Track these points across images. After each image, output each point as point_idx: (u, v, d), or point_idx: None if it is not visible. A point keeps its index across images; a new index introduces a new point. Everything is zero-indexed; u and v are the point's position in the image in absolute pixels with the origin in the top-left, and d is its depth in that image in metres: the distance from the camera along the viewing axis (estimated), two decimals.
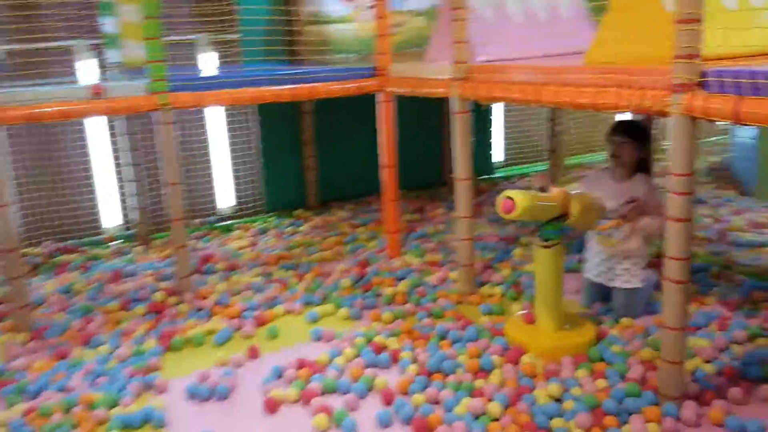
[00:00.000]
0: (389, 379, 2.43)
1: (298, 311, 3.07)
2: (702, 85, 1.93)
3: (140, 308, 3.10)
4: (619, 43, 2.40)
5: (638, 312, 2.87)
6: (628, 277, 2.84)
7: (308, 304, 3.14)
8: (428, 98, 3.22)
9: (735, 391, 2.24)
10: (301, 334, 2.85)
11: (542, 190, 2.83)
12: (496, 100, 2.86)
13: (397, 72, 3.37)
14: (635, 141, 2.81)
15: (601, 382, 2.34)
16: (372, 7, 3.40)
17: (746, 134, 4.65)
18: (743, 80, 1.80)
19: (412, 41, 4.02)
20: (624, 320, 2.80)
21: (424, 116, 4.89)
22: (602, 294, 2.95)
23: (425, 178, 5.09)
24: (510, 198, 2.38)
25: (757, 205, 4.41)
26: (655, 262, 3.33)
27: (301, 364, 2.55)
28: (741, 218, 4.12)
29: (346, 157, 4.80)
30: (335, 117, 4.65)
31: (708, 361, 2.45)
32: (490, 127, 5.41)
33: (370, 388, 2.39)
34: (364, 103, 3.63)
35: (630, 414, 2.16)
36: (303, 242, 4.01)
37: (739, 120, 1.83)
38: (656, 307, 2.90)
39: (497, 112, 5.49)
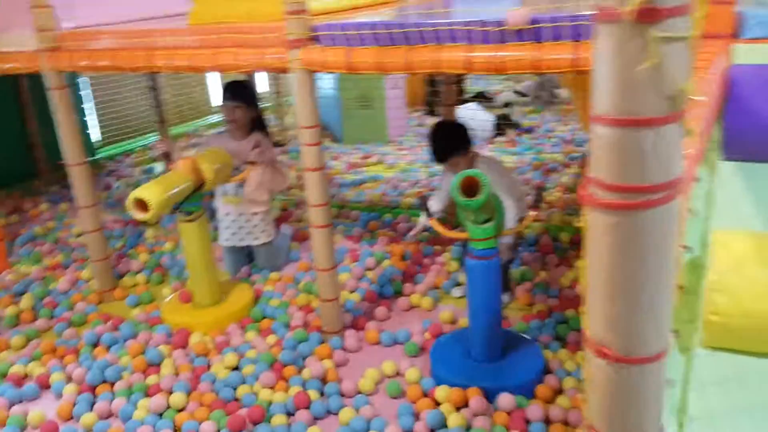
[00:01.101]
0: (45, 409, 2.06)
1: None
2: (315, 39, 2.06)
3: None
4: (221, 2, 2.38)
5: (281, 263, 3.00)
6: (260, 233, 2.92)
7: None
8: None
9: (380, 311, 2.55)
10: None
11: (166, 156, 2.69)
12: (97, 69, 2.57)
13: None
14: (245, 103, 2.86)
15: (272, 338, 2.40)
16: None
17: (327, 86, 5.18)
18: (350, 32, 1.97)
19: None
20: (272, 274, 2.91)
21: None
22: (243, 256, 2.99)
23: (9, 173, 4.32)
24: (141, 199, 2.20)
25: (346, 148, 4.99)
26: (284, 215, 3.55)
27: None
28: (338, 162, 4.62)
29: None
30: None
31: (352, 291, 2.72)
32: (81, 103, 4.85)
33: (24, 428, 2.00)
34: None
35: (305, 358, 2.28)
36: None
37: (352, 70, 2.00)
38: (295, 255, 3.09)
39: (86, 87, 4.95)
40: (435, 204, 2.50)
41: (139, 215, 2.22)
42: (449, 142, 2.42)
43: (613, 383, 0.71)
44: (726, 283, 1.12)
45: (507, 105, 5.65)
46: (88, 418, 2.00)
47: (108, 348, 2.39)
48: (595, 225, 0.68)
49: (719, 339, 1.15)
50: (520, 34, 1.77)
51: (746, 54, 1.61)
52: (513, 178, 2.57)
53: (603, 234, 0.68)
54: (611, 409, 0.73)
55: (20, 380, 2.22)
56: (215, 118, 5.83)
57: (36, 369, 2.27)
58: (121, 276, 2.97)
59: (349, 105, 5.11)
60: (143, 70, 2.40)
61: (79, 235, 3.39)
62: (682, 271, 1.33)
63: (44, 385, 2.20)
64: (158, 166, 4.61)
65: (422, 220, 2.44)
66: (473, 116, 4.83)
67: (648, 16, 0.58)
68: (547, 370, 2.11)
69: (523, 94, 5.86)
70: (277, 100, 5.27)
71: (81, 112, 4.73)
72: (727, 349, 1.16)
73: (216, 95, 6.05)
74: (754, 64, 1.53)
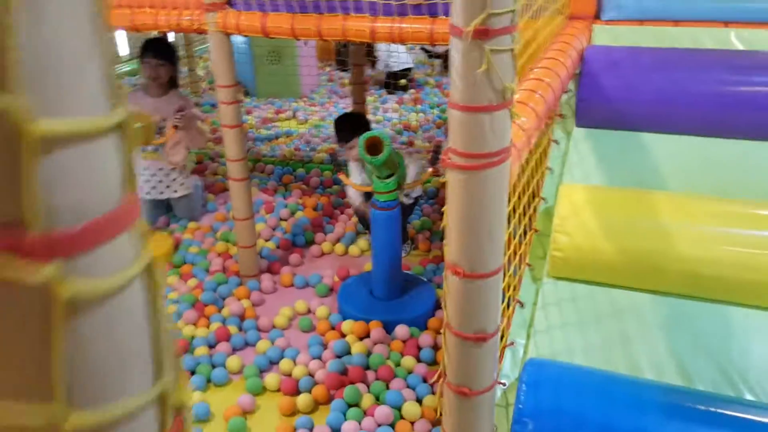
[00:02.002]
0: None
1: None
2: (230, 3, 2.21)
3: None
4: None
5: (198, 213, 3.17)
6: (179, 186, 3.06)
7: None
8: None
9: (293, 258, 2.79)
10: None
11: None
12: None
13: None
14: (168, 61, 2.95)
15: (192, 281, 2.59)
16: None
17: (239, 41, 5.23)
18: None
19: None
20: (190, 224, 3.07)
21: None
22: (161, 207, 3.13)
23: None
24: None
25: (258, 103, 5.11)
26: (198, 168, 3.67)
27: None
28: (252, 117, 4.74)
29: None
30: None
31: (267, 240, 2.94)
32: None
33: None
34: None
35: (224, 299, 2.49)
36: None
37: (266, 34, 2.18)
38: (211, 206, 3.26)
39: None
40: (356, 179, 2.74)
41: None
42: (353, 127, 2.69)
43: (463, 293, 0.99)
44: (566, 225, 1.43)
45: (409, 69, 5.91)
46: None
47: None
48: (451, 181, 0.95)
49: (560, 270, 1.47)
50: (418, 9, 2.01)
51: (602, 34, 1.93)
52: (409, 153, 2.86)
53: (457, 187, 0.94)
54: (462, 312, 1.01)
55: None
56: (122, 68, 5.74)
57: None
58: None
59: (262, 59, 5.19)
60: None
61: None
62: (538, 217, 1.64)
63: None
64: None
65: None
66: (394, 52, 5.11)
67: (482, 35, 0.84)
68: (438, 307, 2.43)
69: (430, 53, 6.12)
70: (187, 51, 5.27)
71: None
72: (565, 279, 1.48)
73: (122, 46, 5.93)
74: (603, 45, 1.84)
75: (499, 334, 1.06)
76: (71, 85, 0.29)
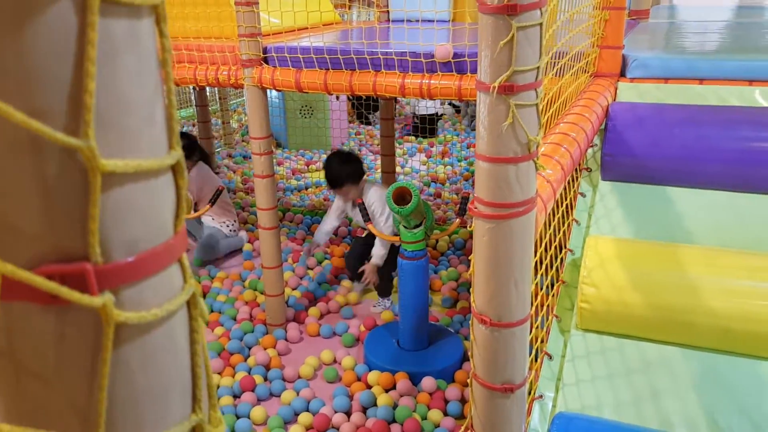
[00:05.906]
0: None
1: None
2: (266, 60, 2.30)
3: None
4: (175, 20, 2.57)
5: (217, 254, 3.25)
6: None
7: None
8: None
9: (320, 307, 2.80)
10: None
11: None
12: None
13: None
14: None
15: (219, 329, 2.61)
16: None
17: (272, 95, 5.39)
18: (297, 55, 2.23)
19: None
20: (219, 273, 3.12)
21: None
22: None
23: None
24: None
25: (289, 155, 5.22)
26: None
27: None
28: (283, 167, 4.84)
29: None
30: None
31: (294, 288, 2.96)
32: None
33: None
34: None
35: (250, 348, 2.51)
36: None
37: (300, 89, 2.26)
38: (247, 255, 3.31)
39: None
40: (325, 225, 2.90)
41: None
42: (344, 171, 2.70)
43: (490, 342, 1.00)
44: (593, 277, 1.43)
45: (440, 116, 6.01)
46: None
47: None
48: (478, 229, 0.97)
49: (588, 322, 1.46)
50: (445, 66, 2.08)
51: (627, 91, 1.96)
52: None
53: (483, 235, 0.96)
54: (489, 361, 1.02)
55: None
56: None
57: None
58: None
59: (294, 113, 5.33)
60: None
61: None
62: (565, 269, 1.64)
63: None
64: None
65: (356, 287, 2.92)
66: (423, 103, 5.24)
67: (508, 90, 0.87)
68: (465, 359, 2.41)
69: (457, 107, 6.23)
70: (222, 104, 5.44)
71: None
72: (594, 331, 1.47)
73: None
74: (627, 101, 1.87)
75: (527, 386, 1.06)
76: (136, 128, 0.33)
